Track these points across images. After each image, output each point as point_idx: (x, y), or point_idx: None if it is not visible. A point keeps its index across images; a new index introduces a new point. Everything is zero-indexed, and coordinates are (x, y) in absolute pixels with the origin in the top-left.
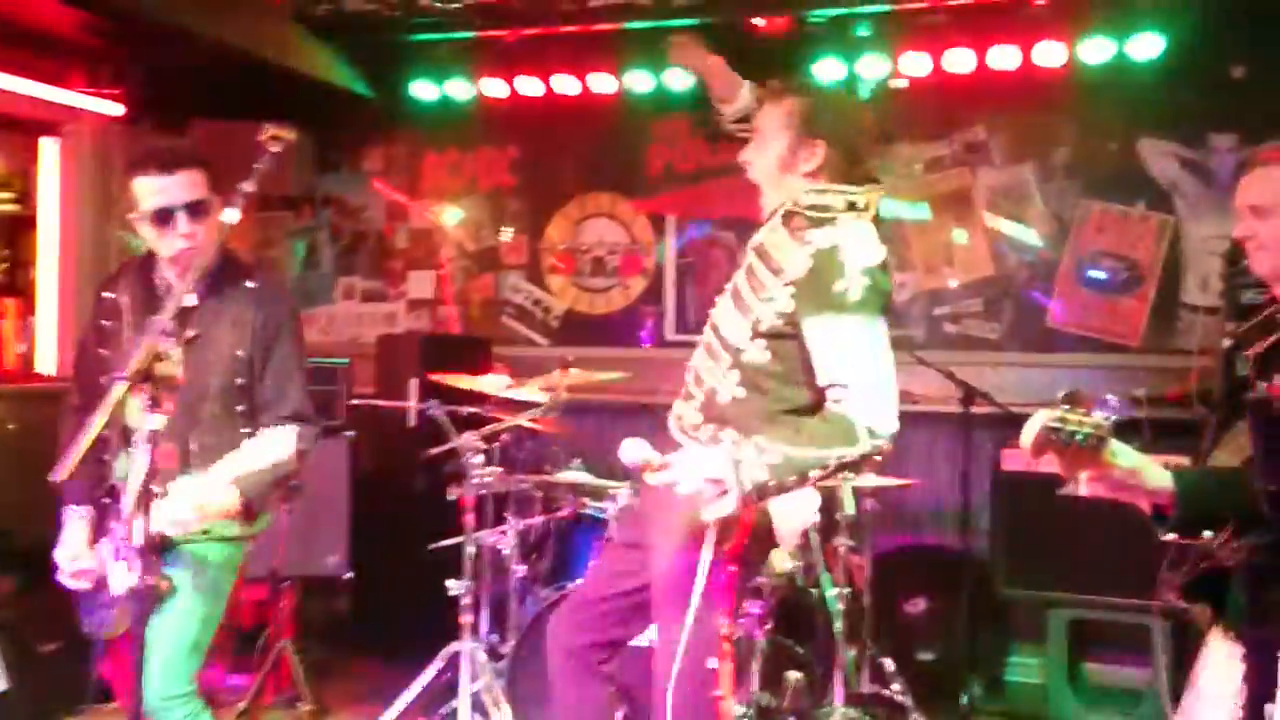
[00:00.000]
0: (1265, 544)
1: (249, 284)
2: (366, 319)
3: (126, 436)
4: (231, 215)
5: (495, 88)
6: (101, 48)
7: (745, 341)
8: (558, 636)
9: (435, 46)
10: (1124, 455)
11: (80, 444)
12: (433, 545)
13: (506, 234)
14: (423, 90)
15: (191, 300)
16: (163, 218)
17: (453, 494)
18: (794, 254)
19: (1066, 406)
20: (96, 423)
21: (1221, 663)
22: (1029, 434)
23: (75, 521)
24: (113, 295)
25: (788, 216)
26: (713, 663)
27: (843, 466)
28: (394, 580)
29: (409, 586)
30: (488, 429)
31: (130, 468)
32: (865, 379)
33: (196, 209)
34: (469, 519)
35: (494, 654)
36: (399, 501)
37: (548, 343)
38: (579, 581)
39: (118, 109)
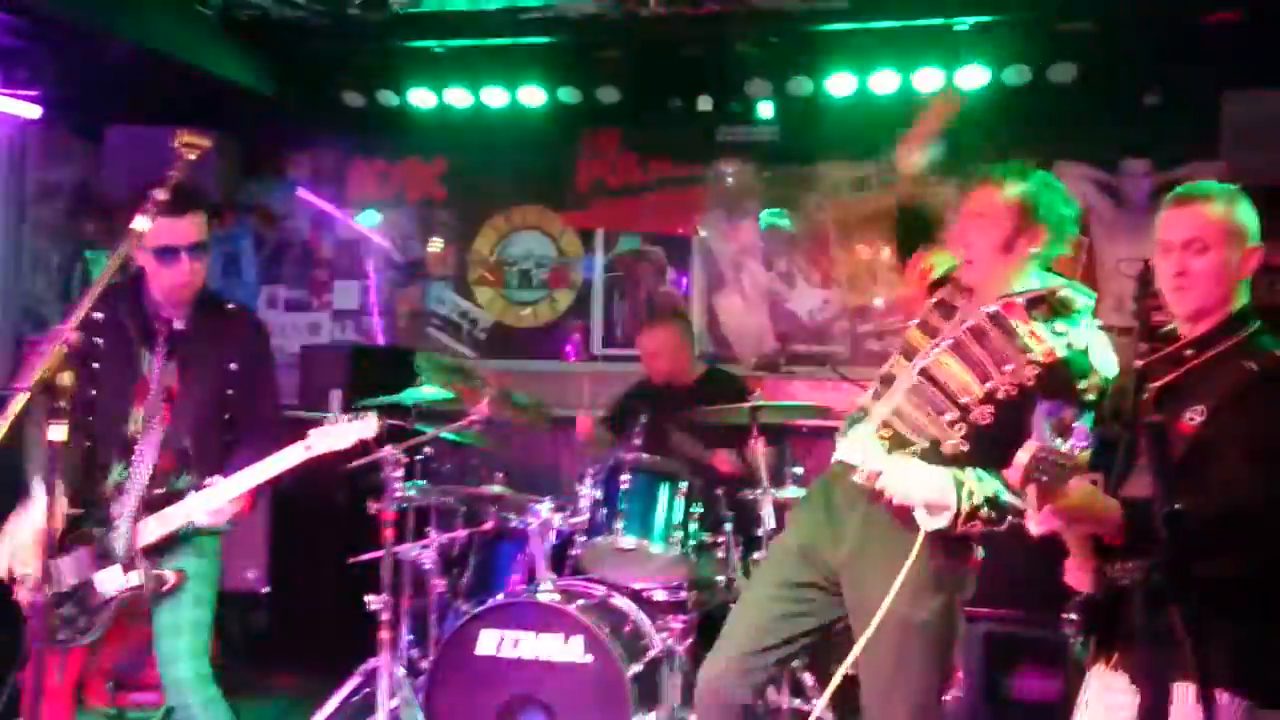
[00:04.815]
0: (1160, 563)
1: (230, 305)
2: (290, 329)
3: (125, 445)
4: (141, 223)
5: (424, 98)
6: (19, 49)
7: (975, 403)
8: (717, 693)
9: (363, 55)
10: (1078, 488)
11: None
12: (352, 559)
13: (436, 245)
14: (350, 99)
15: (180, 325)
16: (167, 256)
17: (373, 507)
18: (1045, 339)
19: (1058, 437)
20: None
21: (1103, 695)
22: (1020, 463)
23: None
24: (100, 316)
25: (1036, 302)
26: None
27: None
28: (313, 595)
29: (328, 601)
30: (410, 442)
31: (128, 475)
32: None
33: (197, 249)
34: (389, 533)
35: (413, 669)
36: (318, 515)
37: (474, 355)
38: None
39: (35, 111)
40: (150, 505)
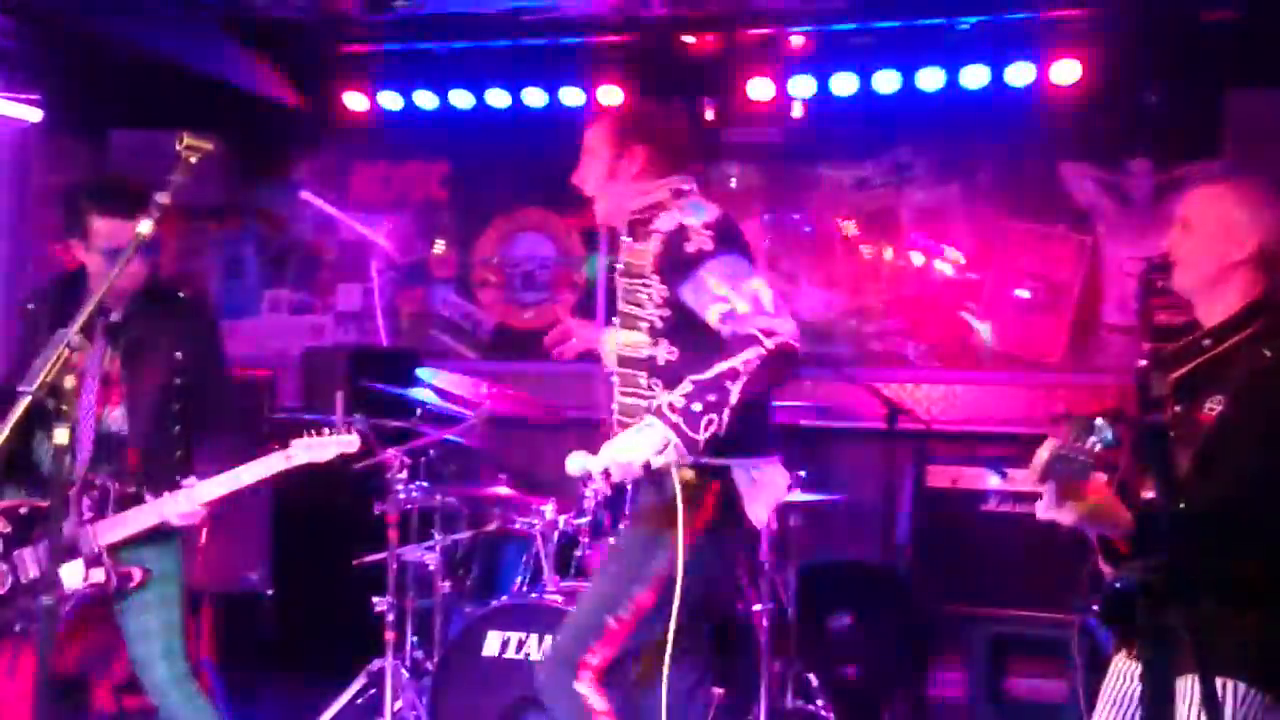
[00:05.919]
0: (1162, 563)
1: (180, 294)
2: (293, 331)
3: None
4: (145, 226)
5: (426, 100)
6: (20, 52)
7: (650, 349)
8: None
9: (366, 57)
10: (1098, 486)
11: None
12: (357, 560)
13: (439, 247)
14: (353, 101)
15: (117, 316)
16: (116, 257)
17: (378, 509)
18: (647, 248)
19: (1075, 434)
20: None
21: (1124, 684)
22: (1040, 460)
23: None
24: (32, 307)
25: (631, 228)
26: None
27: (761, 371)
28: (317, 596)
29: (332, 603)
30: (414, 443)
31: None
32: (741, 302)
33: (147, 249)
34: (393, 534)
35: (418, 671)
36: (322, 516)
37: (477, 356)
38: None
39: (36, 115)
40: (120, 502)
